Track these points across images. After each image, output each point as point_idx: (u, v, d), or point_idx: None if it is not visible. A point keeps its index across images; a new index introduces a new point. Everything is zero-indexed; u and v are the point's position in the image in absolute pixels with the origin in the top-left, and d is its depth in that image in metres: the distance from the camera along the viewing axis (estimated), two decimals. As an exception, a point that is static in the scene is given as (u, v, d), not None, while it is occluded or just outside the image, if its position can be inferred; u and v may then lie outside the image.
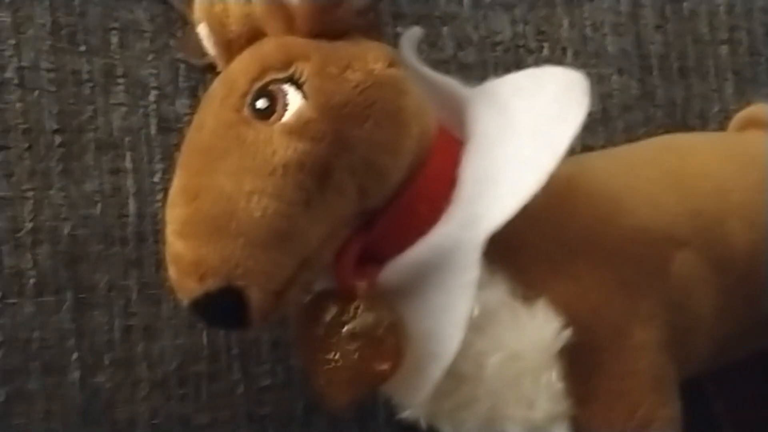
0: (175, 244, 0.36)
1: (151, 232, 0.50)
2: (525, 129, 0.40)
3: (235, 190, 0.36)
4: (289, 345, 0.53)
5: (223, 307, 0.35)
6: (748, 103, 0.63)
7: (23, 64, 0.49)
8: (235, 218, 0.35)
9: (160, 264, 0.49)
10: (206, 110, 0.38)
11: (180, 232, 0.36)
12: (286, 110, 0.37)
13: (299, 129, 0.36)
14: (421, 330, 0.39)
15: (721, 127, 0.64)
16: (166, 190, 0.49)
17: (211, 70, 0.43)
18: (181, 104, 0.51)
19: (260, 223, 0.35)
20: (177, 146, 0.50)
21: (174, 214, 0.36)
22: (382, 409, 0.53)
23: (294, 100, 0.37)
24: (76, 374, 0.49)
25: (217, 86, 0.39)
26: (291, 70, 0.37)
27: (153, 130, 0.51)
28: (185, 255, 0.35)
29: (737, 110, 0.61)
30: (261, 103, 0.37)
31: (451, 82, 0.43)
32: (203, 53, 0.43)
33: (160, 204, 0.50)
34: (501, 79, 0.43)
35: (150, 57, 0.51)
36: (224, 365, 0.52)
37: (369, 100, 0.37)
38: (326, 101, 0.37)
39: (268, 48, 0.38)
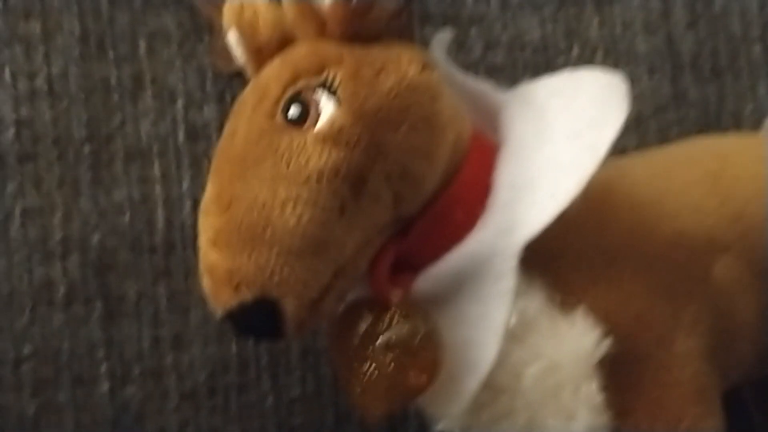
0: (209, 254, 0.35)
1: (180, 241, 0.50)
2: (562, 133, 0.39)
3: (270, 198, 0.35)
4: (319, 353, 0.52)
5: (258, 317, 0.35)
6: (783, 103, 0.61)
7: (53, 72, 0.48)
8: (270, 227, 0.35)
9: (188, 273, 0.49)
10: (238, 117, 0.38)
11: (214, 241, 0.35)
12: (319, 116, 0.36)
13: (333, 135, 0.35)
14: (458, 340, 0.38)
15: (755, 127, 0.63)
16: (194, 198, 0.49)
17: (240, 76, 0.42)
18: (209, 111, 0.51)
19: (295, 231, 0.35)
20: (205, 153, 0.50)
21: (207, 222, 0.36)
22: (413, 419, 0.52)
23: (327, 106, 0.36)
24: (105, 386, 0.48)
25: (249, 93, 0.38)
26: (324, 76, 0.36)
27: (181, 137, 0.50)
28: (220, 265, 0.35)
29: (772, 110, 0.60)
30: (294, 110, 0.36)
31: (484, 86, 0.43)
32: (231, 59, 0.42)
33: (189, 212, 0.50)
34: (536, 82, 0.42)
35: (178, 64, 0.51)
36: (254, 375, 0.51)
37: (404, 104, 0.37)
38: (360, 106, 0.36)
39: (299, 53, 0.38)
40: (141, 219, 0.49)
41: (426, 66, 0.38)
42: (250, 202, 0.35)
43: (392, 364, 0.37)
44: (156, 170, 0.50)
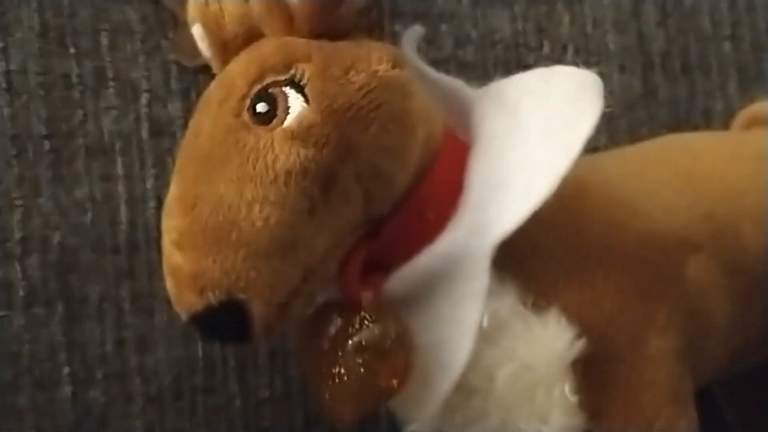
0: (174, 256, 0.34)
1: (144, 241, 0.48)
2: (535, 131, 0.38)
3: (236, 198, 0.34)
4: (288, 355, 0.51)
5: (224, 321, 0.34)
6: (752, 101, 0.61)
7: (11, 67, 0.47)
8: (236, 228, 0.34)
9: (153, 274, 0.47)
10: (203, 114, 0.37)
11: (178, 243, 0.34)
12: (287, 114, 0.35)
13: (301, 134, 0.34)
14: (429, 341, 0.38)
15: (725, 125, 0.63)
16: (158, 197, 0.48)
17: (206, 71, 0.41)
18: (174, 107, 0.50)
19: (262, 233, 0.34)
20: (170, 151, 0.49)
21: (171, 224, 0.35)
22: (384, 421, 0.52)
23: (295, 104, 0.35)
24: (67, 389, 0.47)
25: (214, 89, 0.37)
26: (292, 72, 0.35)
27: (145, 134, 0.49)
28: (184, 267, 0.34)
29: (741, 108, 0.60)
30: (261, 107, 0.35)
31: (456, 83, 0.42)
32: (197, 54, 0.41)
33: (153, 211, 0.48)
34: (509, 80, 0.42)
35: (141, 59, 0.49)
36: (221, 378, 0.50)
37: (374, 102, 0.36)
38: (329, 104, 0.35)
39: (267, 49, 0.37)
40: (104, 218, 0.48)
41: (396, 63, 0.38)
42: (215, 203, 0.34)
43: (362, 367, 0.36)
44: (119, 168, 0.48)
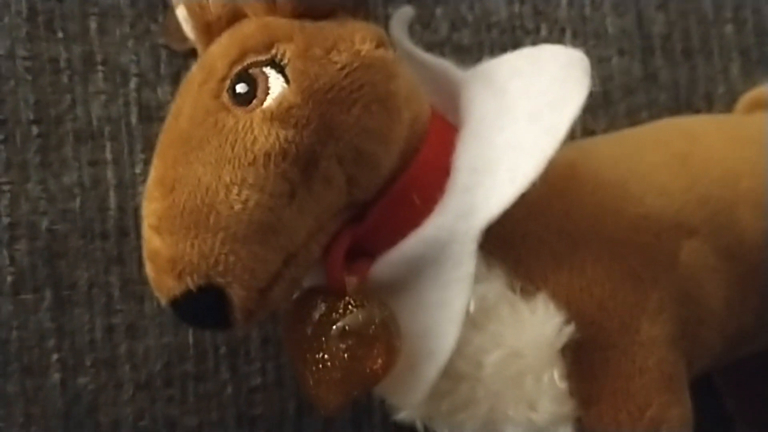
0: (152, 240, 0.34)
1: (133, 226, 0.48)
2: (522, 113, 0.38)
3: (214, 181, 0.33)
4: (280, 342, 0.50)
5: (203, 306, 0.33)
6: (755, 84, 0.60)
7: (-1, 52, 0.46)
8: (214, 211, 0.33)
9: (142, 259, 0.47)
10: (184, 96, 0.36)
11: (157, 227, 0.34)
12: (267, 95, 0.34)
13: (281, 115, 0.34)
14: (416, 327, 0.37)
15: (728, 109, 0.62)
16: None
17: (195, 56, 0.40)
18: (163, 92, 0.49)
19: (241, 216, 0.33)
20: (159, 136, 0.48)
21: (150, 208, 0.34)
22: (377, 409, 0.51)
23: (276, 85, 0.34)
24: (56, 376, 0.47)
25: (195, 71, 0.37)
26: (272, 52, 0.35)
27: (134, 119, 0.49)
28: (162, 251, 0.33)
29: (743, 91, 0.59)
30: (240, 88, 0.34)
31: (444, 64, 0.41)
32: (186, 38, 0.41)
33: (141, 196, 0.48)
34: (497, 60, 0.41)
35: (130, 43, 0.49)
36: (212, 365, 0.49)
37: (356, 83, 0.35)
38: (310, 85, 0.34)
39: (248, 29, 0.36)
40: (92, 204, 0.47)
41: (381, 43, 0.37)
42: (193, 185, 0.33)
43: (347, 353, 0.36)
44: (108, 153, 0.48)
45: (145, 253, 0.35)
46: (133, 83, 0.49)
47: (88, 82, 0.48)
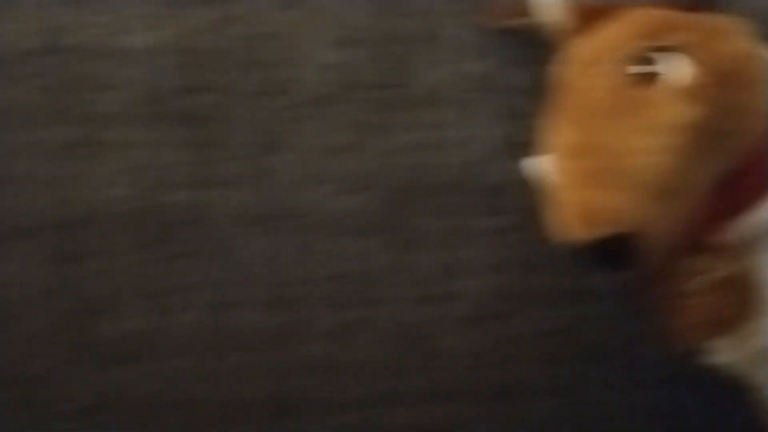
0: (568, 192, 0.40)
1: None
2: None
3: (627, 147, 0.40)
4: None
5: (611, 252, 0.39)
6: None
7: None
8: (627, 173, 0.40)
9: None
10: (587, 73, 0.42)
11: (573, 183, 0.40)
12: (675, 75, 0.41)
13: (690, 93, 0.40)
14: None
15: None
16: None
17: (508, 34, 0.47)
18: (487, 65, 0.55)
19: (650, 178, 0.39)
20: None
21: (568, 165, 0.41)
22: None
23: (681, 66, 0.41)
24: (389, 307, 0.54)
25: (595, 51, 0.43)
26: (677, 39, 0.41)
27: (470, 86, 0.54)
28: (578, 203, 0.40)
29: None
30: (651, 68, 0.41)
31: None
32: (516, 16, 0.48)
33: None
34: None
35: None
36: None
37: (743, 68, 0.42)
38: (713, 69, 0.41)
39: (645, 18, 0.42)
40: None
41: (747, 35, 0.43)
42: (608, 150, 0.40)
43: (712, 301, 0.42)
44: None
45: (559, 204, 0.41)
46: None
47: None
